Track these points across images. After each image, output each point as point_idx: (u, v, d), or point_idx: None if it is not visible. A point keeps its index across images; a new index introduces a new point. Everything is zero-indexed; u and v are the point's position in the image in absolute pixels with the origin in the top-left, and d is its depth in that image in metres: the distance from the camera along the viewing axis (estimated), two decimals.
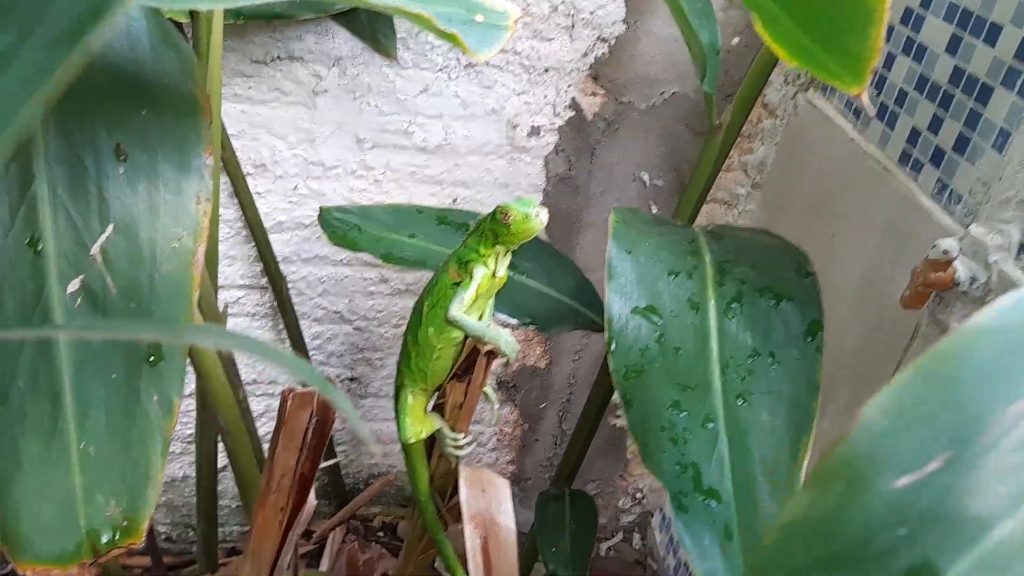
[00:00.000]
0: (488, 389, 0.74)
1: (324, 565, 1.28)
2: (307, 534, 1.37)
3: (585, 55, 1.04)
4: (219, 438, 1.09)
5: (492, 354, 0.66)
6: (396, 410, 0.73)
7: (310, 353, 1.19)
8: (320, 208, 0.90)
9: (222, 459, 1.12)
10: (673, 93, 1.07)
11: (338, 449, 1.34)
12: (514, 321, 0.80)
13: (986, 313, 0.21)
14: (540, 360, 1.29)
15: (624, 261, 0.60)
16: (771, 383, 0.55)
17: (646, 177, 1.14)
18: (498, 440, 1.37)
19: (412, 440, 0.73)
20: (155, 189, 0.53)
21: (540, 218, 0.63)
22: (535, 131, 1.08)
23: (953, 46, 0.79)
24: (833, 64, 0.48)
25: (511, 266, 0.86)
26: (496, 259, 0.66)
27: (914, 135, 0.84)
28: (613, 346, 0.57)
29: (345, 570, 1.17)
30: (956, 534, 0.18)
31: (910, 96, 0.85)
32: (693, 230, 0.68)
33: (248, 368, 1.22)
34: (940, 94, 0.80)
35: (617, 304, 0.59)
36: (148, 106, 0.54)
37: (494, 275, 0.67)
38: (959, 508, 0.18)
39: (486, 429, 1.35)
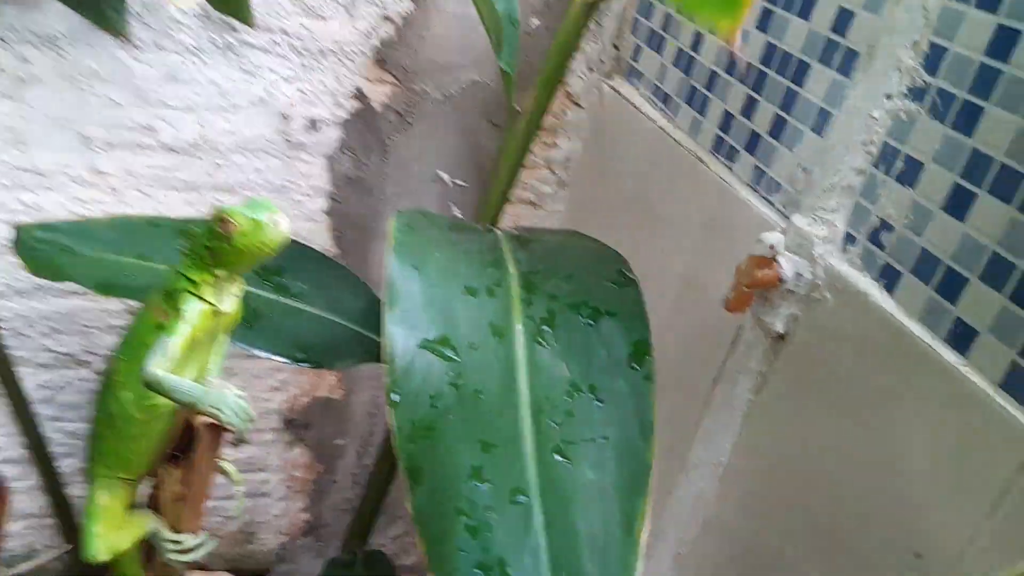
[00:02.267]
0: (226, 464, 0.56)
1: None
2: None
3: (368, 36, 0.89)
4: None
5: (216, 426, 0.49)
6: (84, 516, 0.52)
7: (35, 407, 0.95)
8: (17, 228, 0.68)
9: None
10: (472, 82, 0.95)
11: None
12: (282, 360, 0.63)
13: None
14: (334, 391, 1.12)
15: (410, 280, 0.46)
16: (595, 428, 0.43)
17: (447, 177, 1.01)
18: (288, 487, 1.18)
19: (104, 557, 0.52)
20: None
21: (280, 227, 0.46)
22: (313, 124, 0.92)
23: (764, 21, 0.72)
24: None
25: (279, 289, 0.70)
26: (218, 288, 0.49)
27: (727, 120, 0.77)
28: (395, 395, 0.42)
29: None
30: None
31: (720, 78, 0.78)
32: (496, 235, 0.56)
33: None
34: (754, 75, 0.74)
35: (401, 337, 0.44)
36: None
37: (216, 311, 0.49)
38: None
39: (272, 476, 1.16)
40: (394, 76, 0.93)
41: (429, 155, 0.99)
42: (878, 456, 0.58)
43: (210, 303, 0.48)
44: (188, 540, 0.53)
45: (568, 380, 0.45)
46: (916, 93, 0.57)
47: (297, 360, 0.62)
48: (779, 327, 0.66)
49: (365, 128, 0.95)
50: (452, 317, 0.46)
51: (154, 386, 0.47)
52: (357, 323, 0.70)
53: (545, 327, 0.47)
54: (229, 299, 0.49)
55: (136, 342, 0.48)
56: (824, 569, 0.63)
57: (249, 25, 0.82)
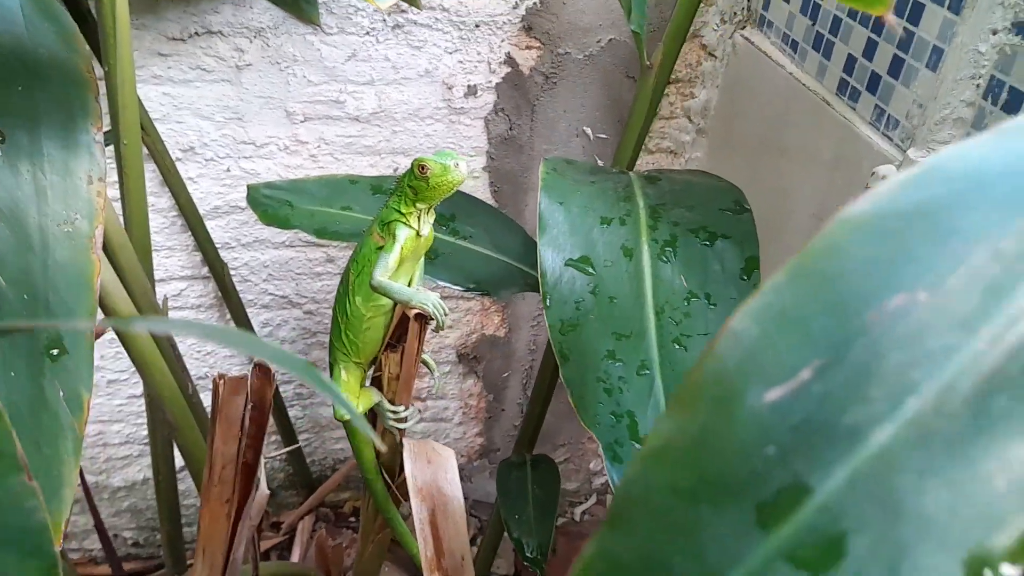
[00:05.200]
0: (426, 357, 0.71)
1: (295, 556, 1.26)
2: (275, 526, 1.35)
3: (516, 6, 1.00)
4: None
5: (423, 319, 0.64)
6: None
7: (262, 361, 1.16)
8: (248, 187, 0.86)
9: (181, 460, 1.09)
10: (610, 40, 1.04)
11: (300, 437, 1.31)
12: (459, 288, 0.77)
13: (864, 200, 0.19)
14: (499, 329, 1.27)
15: (556, 213, 0.58)
16: (709, 325, 0.53)
17: (590, 131, 1.11)
18: (464, 413, 1.35)
19: (347, 418, 0.70)
20: (39, 171, 0.49)
21: (460, 169, 0.60)
22: (472, 91, 1.05)
23: None
24: None
25: (453, 232, 0.84)
26: (419, 217, 0.63)
27: (850, 62, 0.82)
28: (548, 301, 0.55)
29: (315, 559, 1.15)
30: (829, 448, 0.16)
31: (844, 23, 0.83)
32: (629, 176, 0.66)
33: (198, 362, 1.19)
34: (873, 18, 0.78)
35: (550, 257, 0.56)
36: (25, 82, 0.50)
37: (418, 235, 0.64)
38: (832, 419, 0.16)
39: (451, 404, 1.33)
40: (539, 41, 1.04)
41: (573, 112, 1.09)
42: None
43: (414, 228, 0.63)
44: (402, 411, 0.70)
45: (687, 289, 0.55)
46: (1019, 27, 0.61)
47: (469, 289, 0.76)
48: None
49: (515, 91, 1.07)
50: (591, 241, 0.57)
51: (379, 289, 0.63)
52: (516, 259, 0.82)
53: (668, 248, 0.57)
54: (426, 226, 0.64)
55: (363, 260, 0.65)
56: None
57: (417, 7, 0.96)
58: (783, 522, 0.15)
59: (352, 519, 1.37)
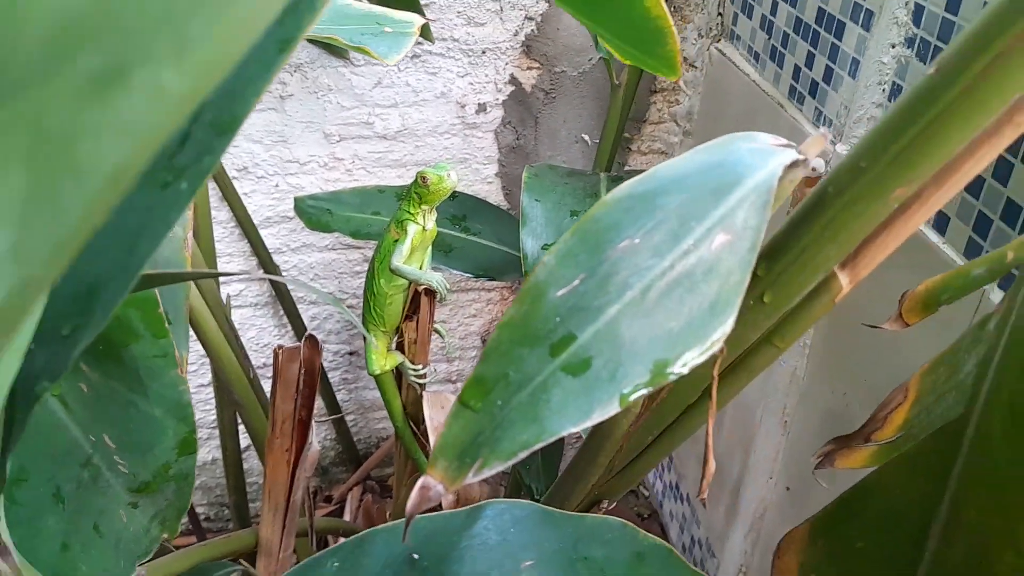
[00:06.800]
0: (437, 325, 0.88)
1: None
2: (328, 498, 1.52)
3: (516, 34, 1.16)
4: (238, 417, 1.23)
5: (432, 293, 0.81)
6: (365, 350, 0.87)
7: (311, 333, 1.34)
8: (295, 199, 1.03)
9: (244, 440, 1.27)
10: (600, 58, 1.19)
11: (347, 418, 1.49)
12: (469, 275, 0.93)
13: (614, 191, 0.34)
14: None
15: (535, 208, 0.74)
16: None
17: (587, 138, 1.26)
18: None
19: (378, 371, 0.87)
20: None
21: (452, 177, 0.77)
22: (482, 108, 1.21)
23: None
24: (653, 63, 0.61)
25: (464, 229, 1.00)
26: (424, 216, 0.80)
27: (797, 71, 0.96)
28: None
29: (362, 520, 1.32)
30: (586, 317, 0.31)
31: (791, 38, 0.97)
32: (599, 176, 0.81)
33: (256, 353, 1.37)
34: (811, 33, 0.92)
35: (530, 243, 0.72)
36: None
37: (424, 229, 0.81)
38: (588, 303, 0.31)
39: None
40: (538, 62, 1.19)
41: (572, 122, 1.25)
42: None
43: (420, 224, 0.80)
44: (420, 368, 0.86)
45: None
46: (909, 42, 0.75)
47: (478, 275, 0.92)
48: None
49: (520, 106, 1.22)
50: (562, 229, 0.72)
51: (397, 272, 0.80)
52: (516, 250, 0.98)
53: None
54: (430, 222, 0.80)
55: (384, 251, 0.82)
56: None
57: (430, 40, 1.12)
58: (562, 352, 0.30)
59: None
